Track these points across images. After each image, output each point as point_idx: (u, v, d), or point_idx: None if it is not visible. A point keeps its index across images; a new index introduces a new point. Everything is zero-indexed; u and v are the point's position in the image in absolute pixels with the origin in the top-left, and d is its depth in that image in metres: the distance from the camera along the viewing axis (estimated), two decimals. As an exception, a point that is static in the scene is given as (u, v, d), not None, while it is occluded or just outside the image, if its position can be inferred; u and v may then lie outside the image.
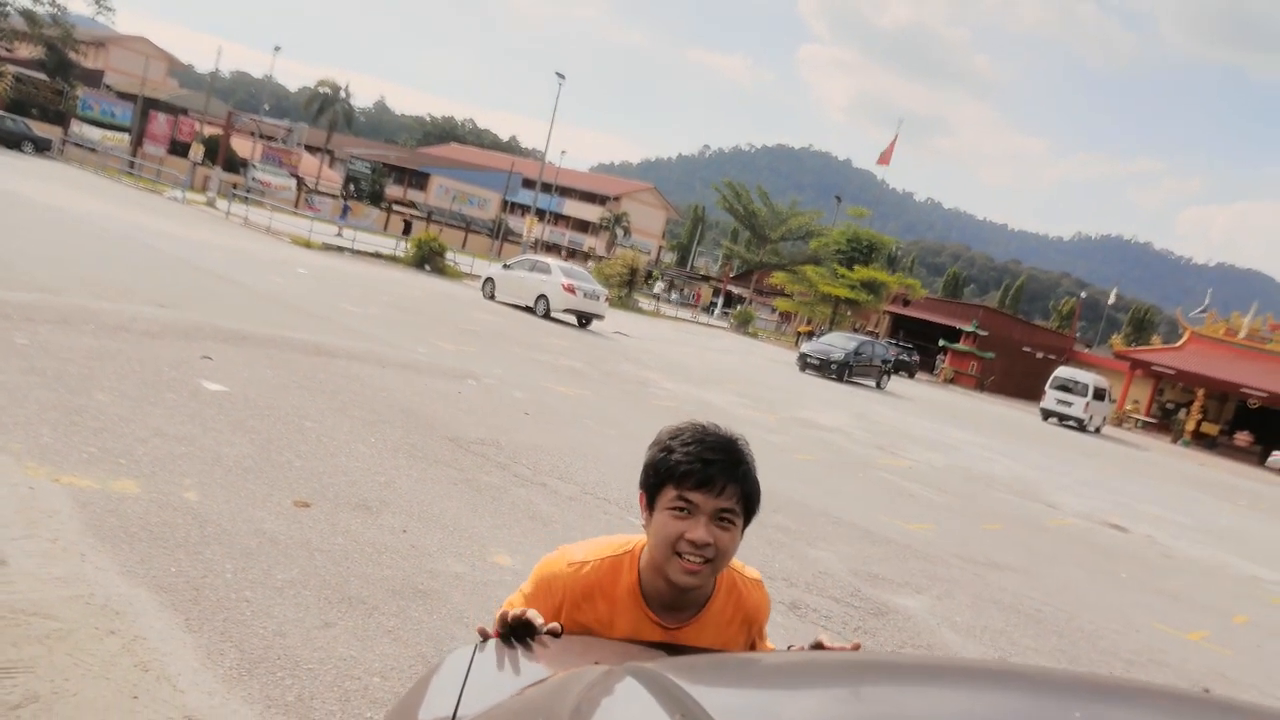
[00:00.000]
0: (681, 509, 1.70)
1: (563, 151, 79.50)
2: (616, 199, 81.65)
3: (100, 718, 2.82)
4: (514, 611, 1.62)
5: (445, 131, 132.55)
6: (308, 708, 3.14)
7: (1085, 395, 33.45)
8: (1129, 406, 46.21)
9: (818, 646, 1.74)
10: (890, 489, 10.64)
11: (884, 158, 48.79)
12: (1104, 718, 1.22)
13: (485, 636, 1.60)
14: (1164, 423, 45.19)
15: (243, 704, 3.08)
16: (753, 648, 1.94)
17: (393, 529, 5.05)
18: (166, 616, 3.52)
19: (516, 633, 1.60)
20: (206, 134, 48.27)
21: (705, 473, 1.70)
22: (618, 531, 6.04)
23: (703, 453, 1.71)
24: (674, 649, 1.71)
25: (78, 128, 46.61)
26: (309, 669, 3.39)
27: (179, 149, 47.20)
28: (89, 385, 6.34)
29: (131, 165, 41.93)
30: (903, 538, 8.09)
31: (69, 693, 2.90)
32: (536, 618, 1.61)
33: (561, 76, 42.43)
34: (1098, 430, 35.08)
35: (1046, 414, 34.66)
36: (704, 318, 49.05)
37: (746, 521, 1.77)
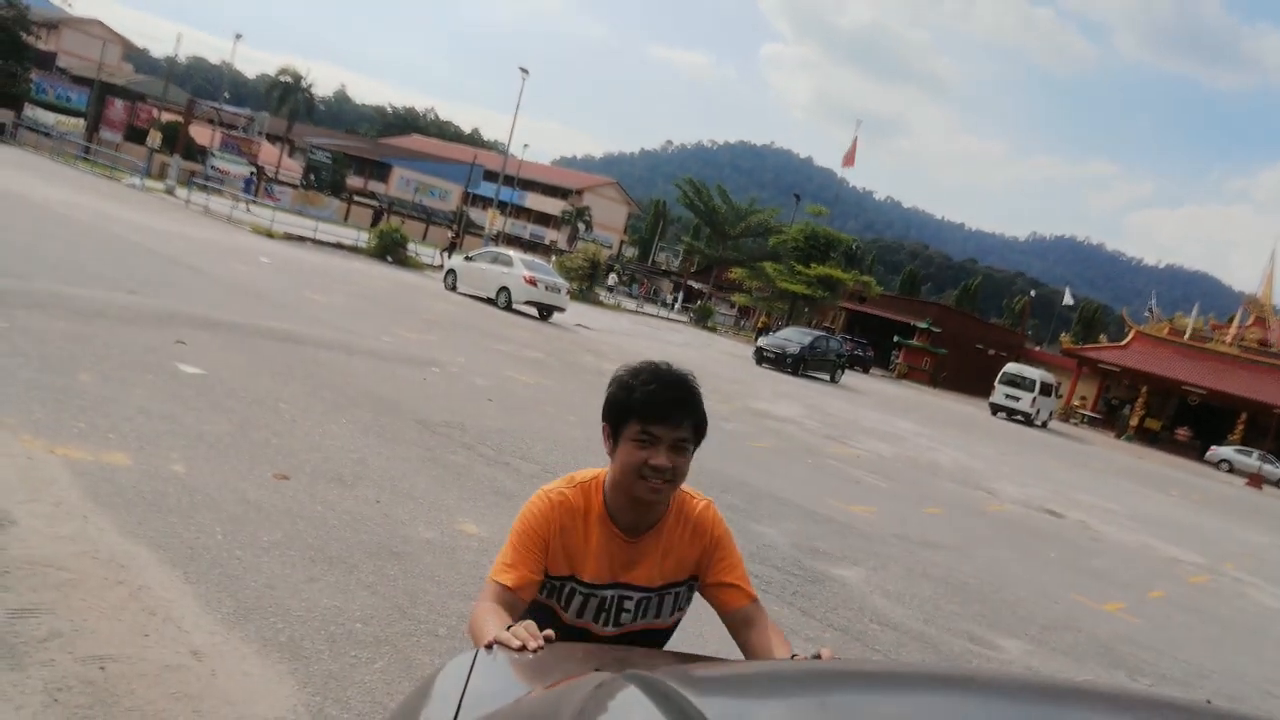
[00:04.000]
0: (644, 440, 2.01)
1: (525, 145, 79.68)
2: (579, 193, 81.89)
3: (117, 651, 3.19)
4: (518, 635, 1.66)
5: (407, 122, 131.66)
6: (299, 647, 3.54)
7: (1033, 391, 34.46)
8: (1076, 402, 47.59)
9: (818, 658, 1.81)
10: (837, 475, 11.17)
11: (847, 159, 49.59)
12: None
13: (489, 646, 1.64)
14: (1109, 418, 46.59)
15: (241, 643, 3.47)
16: (711, 559, 2.17)
17: (367, 500, 5.45)
18: (166, 570, 3.89)
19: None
20: (164, 121, 47.77)
21: (664, 409, 2.01)
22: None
23: (661, 390, 2.02)
24: (636, 568, 2.01)
25: (31, 112, 45.97)
26: (298, 616, 3.78)
27: (136, 135, 46.74)
28: (71, 367, 6.64)
29: (87, 151, 41.46)
30: (845, 518, 8.60)
31: (88, 630, 3.27)
32: (534, 637, 1.66)
33: (525, 71, 42.64)
34: (1044, 425, 36.14)
35: (995, 409, 35.65)
36: (665, 312, 49.58)
37: (696, 445, 2.09)
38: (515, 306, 23.62)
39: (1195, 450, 42.03)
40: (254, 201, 36.99)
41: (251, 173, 48.00)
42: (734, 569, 2.19)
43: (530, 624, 1.70)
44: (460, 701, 1.41)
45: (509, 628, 1.68)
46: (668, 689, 1.18)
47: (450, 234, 41.20)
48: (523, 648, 1.62)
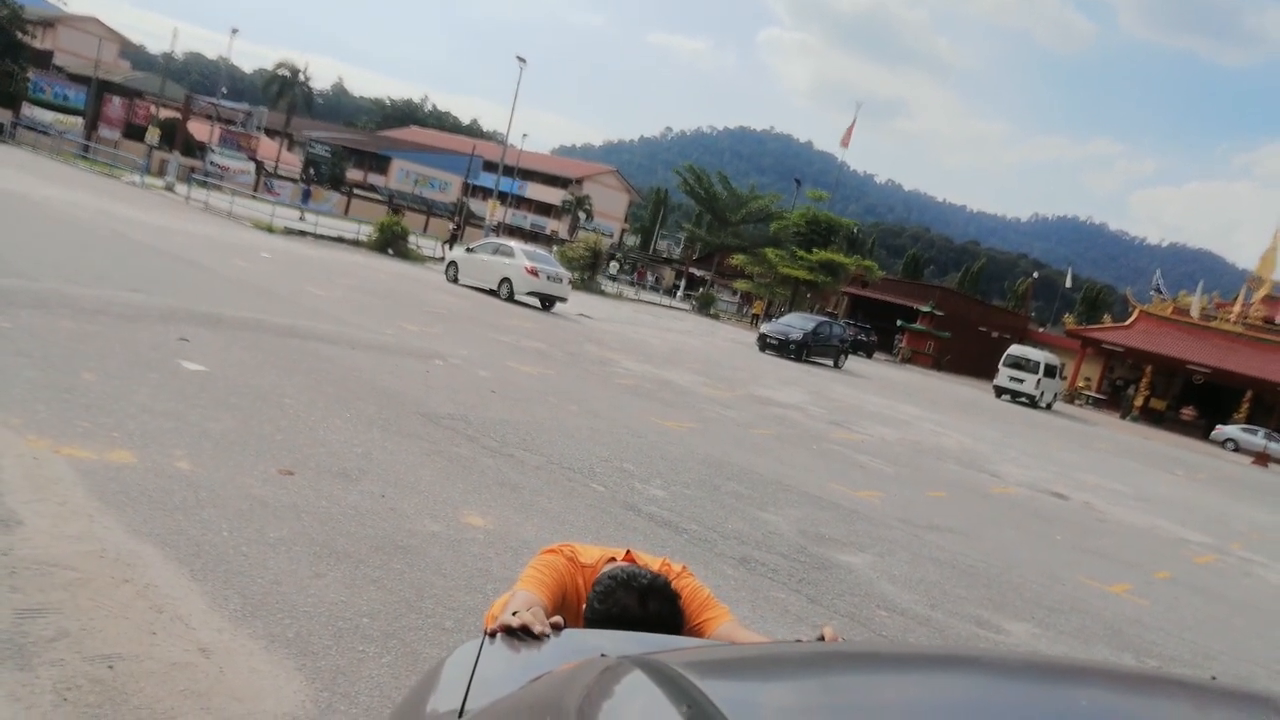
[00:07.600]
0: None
1: (524, 134, 79.17)
2: (579, 182, 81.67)
3: (125, 649, 3.20)
4: (521, 617, 1.64)
5: (405, 114, 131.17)
6: (306, 643, 3.55)
7: (1037, 372, 34.40)
8: (1081, 383, 47.47)
9: (822, 639, 1.83)
10: (842, 460, 11.17)
11: (844, 140, 49.54)
12: (1111, 705, 1.26)
13: (493, 634, 1.62)
14: (1114, 399, 46.48)
15: (249, 639, 3.48)
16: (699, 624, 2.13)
17: (372, 494, 5.45)
18: (172, 568, 3.90)
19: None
20: (162, 117, 47.67)
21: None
22: (579, 497, 6.49)
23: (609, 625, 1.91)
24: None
25: (29, 110, 45.91)
26: (305, 611, 3.79)
27: (134, 132, 46.64)
28: (75, 366, 6.64)
29: (86, 149, 41.41)
30: (850, 504, 8.60)
31: (95, 629, 3.28)
32: (540, 621, 1.64)
33: (523, 61, 42.46)
34: (1049, 406, 36.08)
35: (1000, 391, 35.59)
36: (667, 300, 49.53)
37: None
38: (517, 298, 23.60)
39: (1200, 430, 41.97)
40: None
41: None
42: (705, 608, 2.15)
43: (537, 610, 1.69)
44: (468, 688, 1.42)
45: (514, 612, 1.65)
46: (673, 673, 1.18)
47: (451, 226, 41.15)
48: (525, 628, 1.59)
